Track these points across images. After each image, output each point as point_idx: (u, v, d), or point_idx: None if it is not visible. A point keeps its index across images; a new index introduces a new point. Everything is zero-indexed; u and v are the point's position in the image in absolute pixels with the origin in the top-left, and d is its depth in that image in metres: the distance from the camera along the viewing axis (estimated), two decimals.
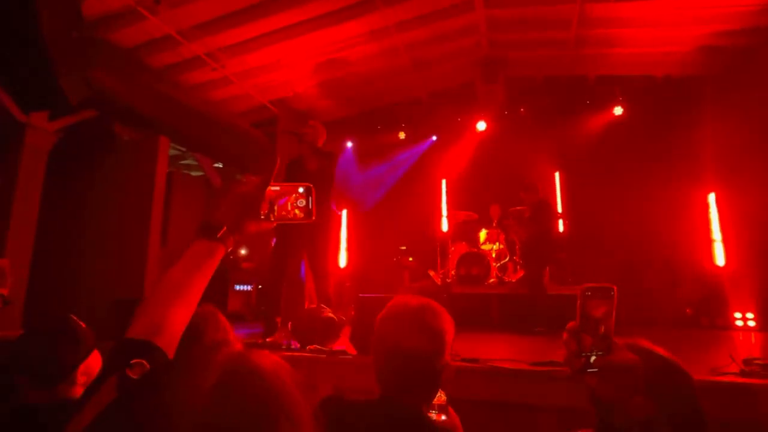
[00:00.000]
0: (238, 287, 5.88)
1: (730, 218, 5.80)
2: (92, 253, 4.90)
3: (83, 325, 1.23)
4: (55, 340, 1.17)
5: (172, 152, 6.92)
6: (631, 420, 0.76)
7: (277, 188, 0.92)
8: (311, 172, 3.48)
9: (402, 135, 7.58)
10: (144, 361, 0.62)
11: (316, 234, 3.60)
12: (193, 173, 8.28)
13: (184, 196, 7.08)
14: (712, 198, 6.05)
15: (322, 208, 3.69)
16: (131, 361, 0.61)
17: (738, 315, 5.06)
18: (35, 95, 2.73)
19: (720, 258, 5.84)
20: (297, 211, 0.93)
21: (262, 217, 0.89)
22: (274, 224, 0.92)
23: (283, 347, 2.93)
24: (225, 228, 0.83)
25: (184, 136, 5.60)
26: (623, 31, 5.35)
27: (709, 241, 5.96)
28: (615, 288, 0.85)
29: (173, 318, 0.72)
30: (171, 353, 0.69)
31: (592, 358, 0.81)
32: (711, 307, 5.34)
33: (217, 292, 5.85)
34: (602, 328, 0.83)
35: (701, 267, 5.89)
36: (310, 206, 0.94)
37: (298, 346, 2.92)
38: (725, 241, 5.84)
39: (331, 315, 3.02)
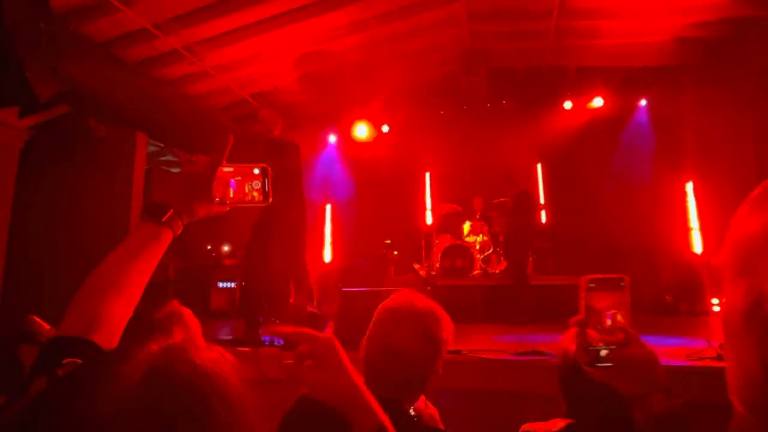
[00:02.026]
0: (221, 284, 5.80)
1: (707, 207, 5.93)
2: (68, 253, 4.77)
3: (46, 326, 1.19)
4: (15, 343, 1.13)
5: (151, 148, 6.77)
6: (652, 416, 0.73)
7: (230, 169, 0.85)
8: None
9: (385, 127, 7.55)
10: (77, 360, 0.55)
11: (292, 228, 3.55)
12: (173, 170, 8.12)
13: (164, 193, 6.95)
14: (690, 187, 6.17)
15: (295, 200, 3.63)
16: (63, 361, 0.55)
17: (715, 301, 5.19)
18: (2, 91, 2.62)
19: (698, 246, 5.97)
20: (255, 194, 0.87)
21: (217, 200, 0.83)
22: (228, 208, 0.86)
23: (267, 344, 2.90)
24: (172, 210, 0.75)
25: (162, 132, 5.49)
26: (602, 23, 5.39)
27: (687, 230, 6.09)
28: (627, 278, 0.79)
29: (111, 310, 0.64)
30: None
31: (603, 352, 0.76)
32: (689, 293, 5.46)
33: (200, 289, 5.76)
34: (607, 321, 0.78)
35: (680, 254, 6.02)
36: (267, 188, 0.87)
37: (282, 342, 2.89)
38: (703, 229, 5.97)
39: (314, 310, 3.00)
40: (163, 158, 8.11)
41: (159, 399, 0.38)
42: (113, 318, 0.65)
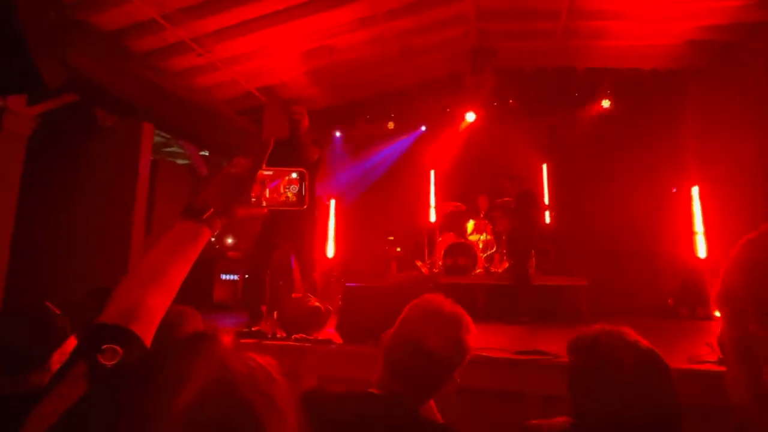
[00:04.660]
0: (224, 277, 5.83)
1: (712, 211, 5.91)
2: (74, 242, 4.81)
3: (58, 312, 1.21)
4: (27, 327, 1.14)
5: (157, 139, 6.79)
6: None
7: (270, 172, 0.88)
8: (312, 162, 3.50)
9: (391, 125, 7.54)
10: (117, 347, 0.58)
11: (302, 223, 3.58)
12: (179, 161, 8.14)
13: (169, 184, 6.97)
14: (695, 191, 6.14)
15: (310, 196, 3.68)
16: (103, 347, 0.57)
17: None
18: (11, 78, 2.64)
19: (701, 250, 5.95)
20: (289, 195, 0.89)
21: (253, 200, 0.85)
22: (265, 210, 0.88)
23: (269, 336, 2.92)
24: (212, 210, 0.78)
25: (168, 123, 5.50)
26: (612, 24, 5.36)
27: (691, 234, 6.07)
28: None
29: (151, 303, 0.67)
30: (148, 341, 0.65)
31: None
32: (691, 297, 5.44)
33: (203, 281, 5.79)
34: None
35: (683, 259, 6.00)
36: (303, 192, 0.89)
37: (284, 335, 2.91)
38: (707, 233, 5.94)
39: (317, 304, 3.01)
40: (169, 149, 8.13)
41: (210, 422, 0.39)
42: (152, 310, 0.67)
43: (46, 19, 2.74)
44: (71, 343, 1.20)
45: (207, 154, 7.59)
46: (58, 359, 1.15)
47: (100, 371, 0.55)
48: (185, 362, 0.42)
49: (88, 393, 0.46)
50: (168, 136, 7.24)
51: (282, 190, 0.89)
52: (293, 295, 3.72)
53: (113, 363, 0.57)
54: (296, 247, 3.68)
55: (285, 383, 0.46)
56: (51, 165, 4.89)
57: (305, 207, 0.90)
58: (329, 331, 2.95)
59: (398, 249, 6.82)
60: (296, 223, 3.54)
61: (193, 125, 5.49)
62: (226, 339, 0.46)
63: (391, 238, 6.88)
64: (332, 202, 7.52)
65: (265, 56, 5.49)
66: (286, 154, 3.53)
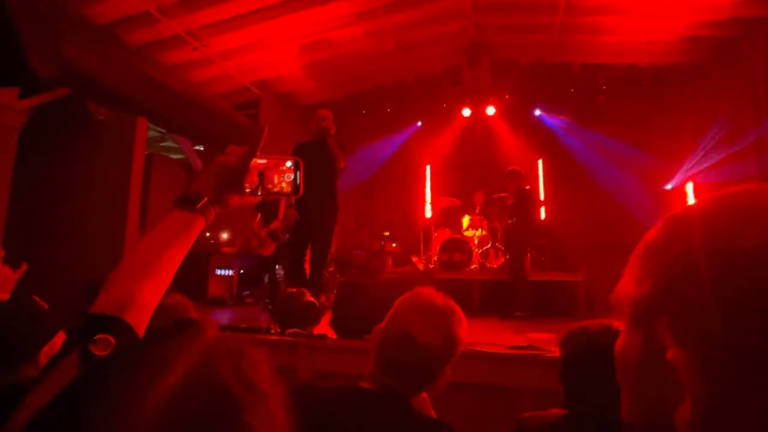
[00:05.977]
0: (219, 272, 5.81)
1: None
2: (67, 237, 4.77)
3: (46, 306, 1.20)
4: (15, 321, 1.13)
5: (151, 134, 6.74)
6: None
7: (264, 161, 0.87)
8: (340, 168, 3.57)
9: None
10: (109, 337, 0.57)
11: (327, 221, 3.68)
12: (173, 156, 8.10)
13: (164, 179, 6.93)
14: (689, 187, 6.17)
15: (336, 197, 3.80)
16: (95, 337, 0.56)
17: None
18: (2, 72, 2.60)
19: None
20: (284, 185, 0.88)
21: (248, 190, 0.84)
22: (259, 198, 0.88)
23: (263, 331, 2.91)
24: (206, 199, 0.77)
25: (163, 117, 5.45)
26: (608, 19, 5.35)
27: None
28: None
29: (144, 292, 0.66)
30: (141, 331, 0.64)
31: None
32: None
33: (198, 276, 5.77)
34: None
35: None
36: (298, 181, 0.89)
37: (278, 330, 2.90)
38: None
39: (311, 299, 3.00)
40: (163, 144, 8.08)
41: (195, 409, 0.37)
42: (144, 300, 0.66)
43: (37, 10, 2.70)
44: (60, 337, 1.19)
45: (202, 148, 7.55)
46: (47, 352, 1.15)
47: (92, 361, 0.55)
48: (166, 349, 0.41)
49: (73, 381, 0.45)
50: (162, 131, 7.20)
51: (276, 180, 0.88)
52: (288, 289, 3.72)
53: (106, 353, 0.55)
54: (318, 244, 3.76)
55: (273, 374, 0.44)
56: (43, 159, 4.85)
57: (300, 195, 0.90)
58: (324, 326, 2.95)
59: (394, 244, 6.82)
60: (323, 221, 3.63)
61: (187, 120, 5.44)
62: (212, 328, 0.44)
63: (387, 233, 6.87)
64: None
65: (262, 50, 5.45)
66: (314, 160, 3.52)
